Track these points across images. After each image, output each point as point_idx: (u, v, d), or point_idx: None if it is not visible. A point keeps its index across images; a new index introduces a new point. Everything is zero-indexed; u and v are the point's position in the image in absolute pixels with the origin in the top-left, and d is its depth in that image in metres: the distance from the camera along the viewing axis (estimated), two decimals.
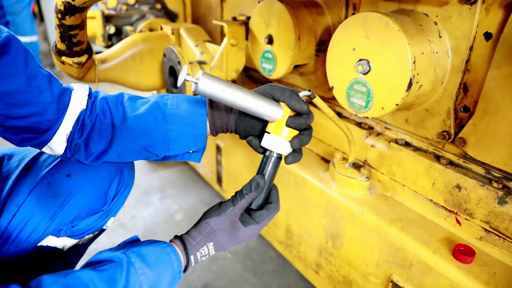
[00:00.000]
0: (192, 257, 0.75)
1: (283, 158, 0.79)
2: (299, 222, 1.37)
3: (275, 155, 0.78)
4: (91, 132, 0.81)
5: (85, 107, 0.80)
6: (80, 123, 0.80)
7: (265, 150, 0.79)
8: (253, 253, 1.71)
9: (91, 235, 0.99)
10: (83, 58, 1.33)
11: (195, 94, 0.84)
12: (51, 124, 0.77)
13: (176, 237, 0.78)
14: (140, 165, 2.41)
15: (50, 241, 0.89)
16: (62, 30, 1.15)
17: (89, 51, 1.37)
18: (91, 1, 1.06)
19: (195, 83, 0.66)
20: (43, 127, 0.76)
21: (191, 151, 0.87)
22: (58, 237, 0.91)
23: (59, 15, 1.07)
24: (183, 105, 0.83)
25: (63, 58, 1.29)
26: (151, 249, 0.71)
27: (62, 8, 1.04)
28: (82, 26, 1.19)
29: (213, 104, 0.83)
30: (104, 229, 1.02)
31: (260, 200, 0.80)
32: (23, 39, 3.68)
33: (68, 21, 1.10)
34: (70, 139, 0.80)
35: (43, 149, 0.81)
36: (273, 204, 0.80)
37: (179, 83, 0.68)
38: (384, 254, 1.06)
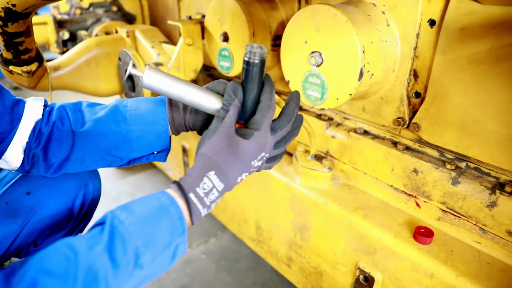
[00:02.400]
0: (192, 196, 0.63)
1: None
2: (267, 218, 1.37)
3: (257, 60, 0.68)
4: (49, 140, 0.78)
5: (41, 117, 0.78)
6: (37, 132, 0.77)
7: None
8: (227, 252, 1.70)
9: None
10: (33, 67, 1.28)
11: (154, 94, 0.83)
12: (5, 135, 0.74)
13: (174, 182, 0.66)
14: (108, 172, 2.36)
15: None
16: (6, 38, 1.10)
17: (39, 58, 1.32)
18: (35, 7, 1.01)
19: (141, 76, 0.68)
20: None
21: (155, 152, 0.85)
22: (20, 258, 0.87)
23: (0, 22, 1.02)
24: (142, 105, 0.82)
25: (11, 67, 1.24)
26: (140, 200, 0.63)
27: (2, 14, 1.00)
28: (28, 32, 1.14)
29: (172, 103, 0.82)
30: None
31: (249, 109, 0.72)
32: None
33: (11, 28, 1.05)
34: (27, 150, 0.77)
35: None
36: (263, 103, 0.69)
37: (125, 77, 0.68)
38: (349, 243, 1.08)
